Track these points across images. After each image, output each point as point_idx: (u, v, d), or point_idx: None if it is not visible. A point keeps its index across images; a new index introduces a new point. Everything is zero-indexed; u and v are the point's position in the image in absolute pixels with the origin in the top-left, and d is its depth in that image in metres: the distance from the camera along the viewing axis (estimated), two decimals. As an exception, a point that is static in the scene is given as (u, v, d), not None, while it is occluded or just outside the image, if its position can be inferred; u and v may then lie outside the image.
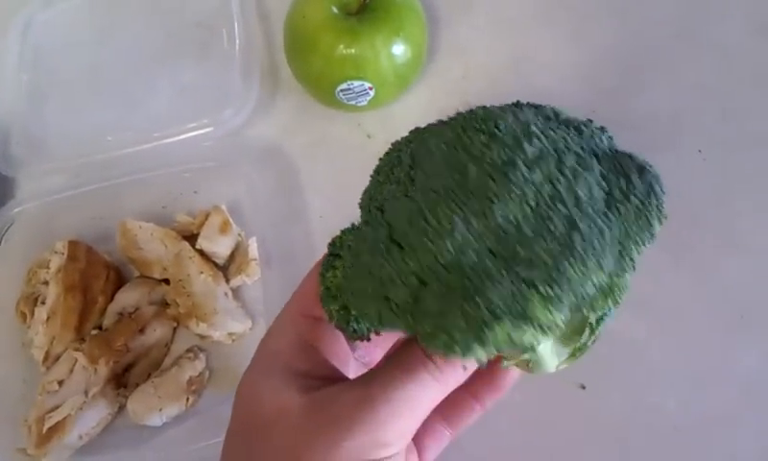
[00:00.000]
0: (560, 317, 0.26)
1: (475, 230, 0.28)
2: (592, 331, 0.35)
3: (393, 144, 0.37)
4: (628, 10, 0.64)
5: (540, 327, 0.26)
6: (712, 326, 0.50)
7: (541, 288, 0.26)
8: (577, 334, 0.37)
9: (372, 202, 0.34)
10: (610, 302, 0.29)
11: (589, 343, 0.37)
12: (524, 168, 0.29)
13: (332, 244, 0.33)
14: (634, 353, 0.49)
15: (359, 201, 0.36)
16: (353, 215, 0.49)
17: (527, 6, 0.66)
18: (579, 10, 0.65)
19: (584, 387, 0.48)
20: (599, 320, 0.34)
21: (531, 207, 0.28)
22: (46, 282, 0.55)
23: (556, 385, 0.48)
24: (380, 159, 0.36)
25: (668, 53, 0.61)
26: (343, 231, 0.33)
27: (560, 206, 0.28)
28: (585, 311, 0.28)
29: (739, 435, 0.47)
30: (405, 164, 0.34)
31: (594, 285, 0.27)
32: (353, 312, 0.30)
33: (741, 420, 0.47)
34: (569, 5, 0.65)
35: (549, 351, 0.38)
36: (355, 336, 0.30)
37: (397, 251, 0.29)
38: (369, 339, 0.30)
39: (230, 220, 0.56)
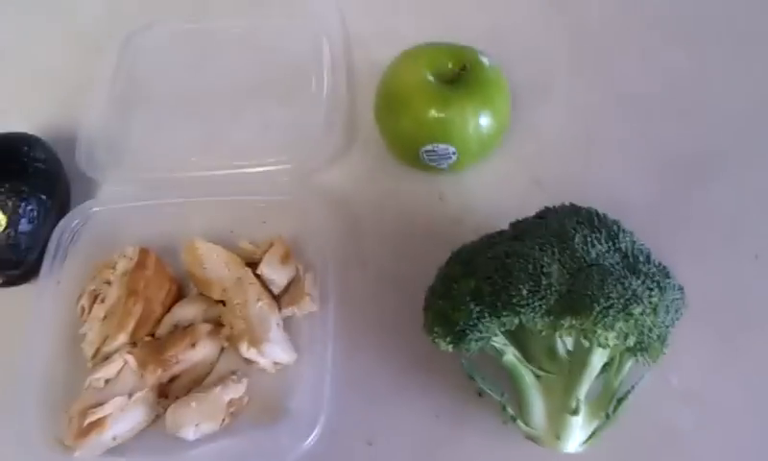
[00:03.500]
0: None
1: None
2: (618, 405, 0.47)
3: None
4: (697, 109, 0.68)
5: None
6: (760, 428, 0.51)
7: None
8: (602, 409, 0.47)
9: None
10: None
11: (612, 417, 0.47)
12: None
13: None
14: (680, 443, 0.51)
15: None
16: (420, 270, 0.52)
17: (600, 95, 0.70)
18: (651, 104, 0.69)
19: None
20: (621, 398, 0.47)
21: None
22: (109, 282, 0.57)
23: None
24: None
25: (733, 155, 0.65)
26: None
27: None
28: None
29: None
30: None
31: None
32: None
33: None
34: (642, 97, 0.69)
35: (580, 425, 0.47)
36: None
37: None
38: None
39: (291, 252, 0.58)
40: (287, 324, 0.57)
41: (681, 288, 0.47)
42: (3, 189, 0.59)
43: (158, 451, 0.53)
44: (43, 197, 0.61)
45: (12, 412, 0.53)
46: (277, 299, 0.58)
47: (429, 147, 0.60)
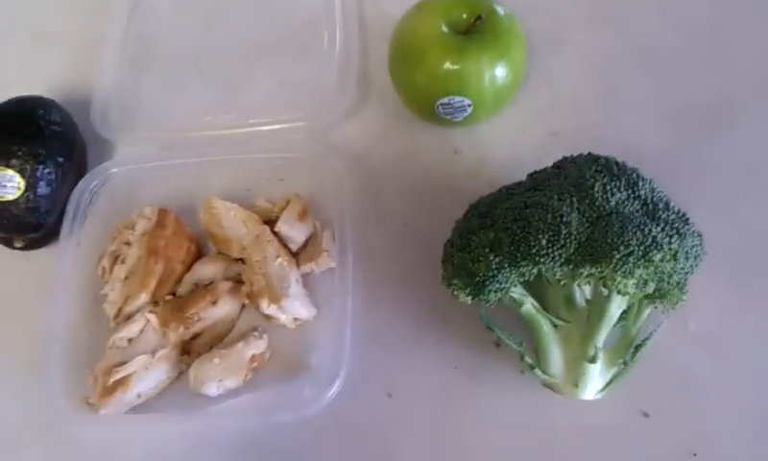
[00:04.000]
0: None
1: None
2: (635, 352, 0.47)
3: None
4: (715, 58, 0.67)
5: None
6: None
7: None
8: (620, 357, 0.48)
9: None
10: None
11: (630, 364, 0.47)
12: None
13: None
14: (698, 388, 0.51)
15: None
16: (437, 224, 0.52)
17: (617, 46, 0.69)
18: (668, 54, 0.68)
19: (647, 415, 0.50)
20: (639, 345, 0.48)
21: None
22: (129, 243, 0.58)
23: (621, 410, 0.50)
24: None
25: (751, 103, 0.64)
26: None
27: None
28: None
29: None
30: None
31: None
32: None
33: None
34: (658, 48, 0.68)
35: (597, 372, 0.48)
36: None
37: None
38: None
39: (308, 209, 0.59)
40: (306, 280, 0.58)
41: (699, 235, 0.47)
42: (20, 153, 0.59)
43: (183, 407, 0.54)
44: (60, 159, 0.62)
45: (38, 373, 0.54)
46: (296, 256, 0.59)
47: (444, 100, 0.59)
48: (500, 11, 0.61)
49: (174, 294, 0.58)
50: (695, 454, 0.49)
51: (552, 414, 0.51)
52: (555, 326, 0.48)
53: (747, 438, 0.49)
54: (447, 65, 0.58)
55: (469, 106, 0.59)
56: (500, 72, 0.59)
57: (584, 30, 0.70)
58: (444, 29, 0.59)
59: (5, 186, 0.59)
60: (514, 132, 0.64)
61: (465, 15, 0.60)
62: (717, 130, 0.63)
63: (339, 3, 0.72)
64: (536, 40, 0.66)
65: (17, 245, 0.61)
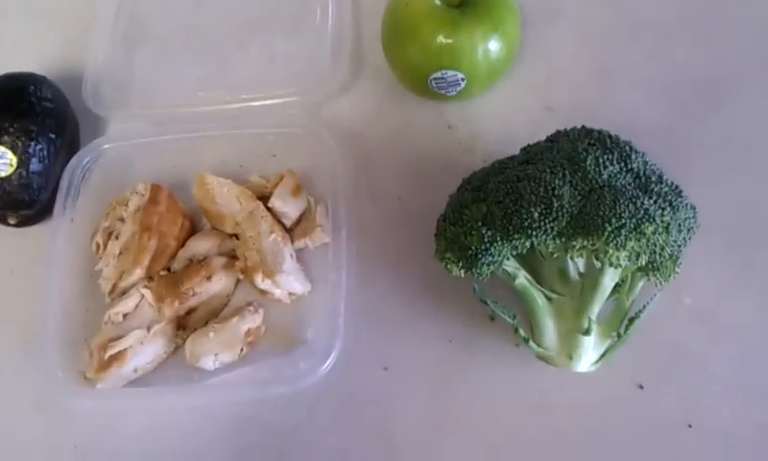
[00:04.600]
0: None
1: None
2: (629, 324, 0.48)
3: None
4: (713, 34, 0.67)
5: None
6: None
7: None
8: (614, 329, 0.48)
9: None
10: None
11: (624, 336, 0.48)
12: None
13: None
14: (692, 361, 0.52)
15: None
16: (431, 199, 0.52)
17: (614, 19, 0.69)
18: (665, 29, 0.68)
19: (642, 387, 0.51)
20: (633, 317, 0.48)
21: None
22: (122, 219, 0.58)
23: (616, 383, 0.51)
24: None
25: (747, 79, 0.64)
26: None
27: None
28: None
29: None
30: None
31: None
32: None
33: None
34: (656, 22, 0.68)
35: (591, 345, 0.48)
36: None
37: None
38: None
39: (302, 185, 0.59)
40: (300, 255, 0.58)
41: (693, 208, 0.47)
42: (12, 130, 0.59)
43: (179, 381, 0.55)
44: (53, 136, 0.61)
45: (34, 349, 0.55)
46: (290, 231, 0.59)
47: (438, 74, 0.59)
48: (494, -16, 0.60)
49: (168, 269, 0.58)
50: (690, 426, 0.50)
51: (547, 386, 0.51)
52: (549, 299, 0.48)
53: (741, 409, 0.50)
54: (440, 39, 0.58)
55: (463, 80, 0.59)
56: (494, 46, 0.59)
57: (579, 3, 0.70)
58: (437, 2, 0.59)
59: (-3, 163, 0.59)
60: (508, 106, 0.64)
61: (459, -12, 0.60)
62: (713, 105, 0.62)
63: (332, -23, 0.71)
64: (530, 14, 0.66)
65: (11, 222, 0.61)
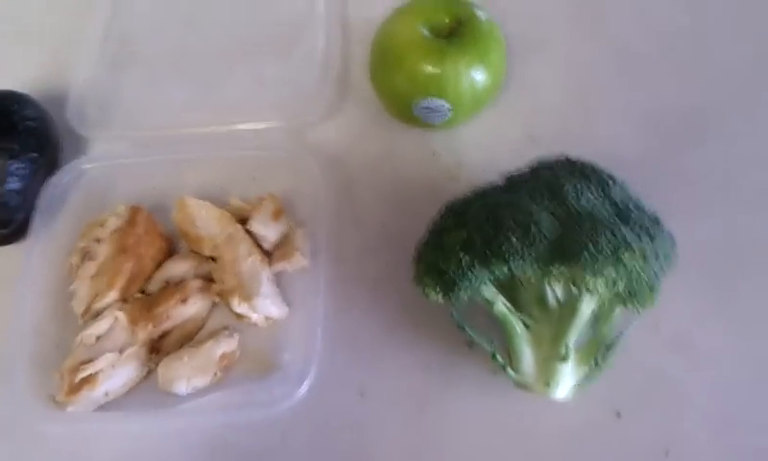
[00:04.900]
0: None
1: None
2: (606, 351, 0.48)
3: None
4: (695, 66, 0.68)
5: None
6: (747, 371, 0.52)
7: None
8: (591, 356, 0.48)
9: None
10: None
11: (602, 363, 0.47)
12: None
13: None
14: (670, 388, 0.52)
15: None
16: (414, 226, 0.52)
17: (598, 51, 0.69)
18: (648, 61, 0.68)
19: (619, 415, 0.51)
20: (610, 345, 0.48)
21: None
22: (99, 240, 0.58)
23: (593, 410, 0.51)
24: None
25: (729, 111, 0.65)
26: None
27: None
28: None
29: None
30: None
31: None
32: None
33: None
34: (639, 55, 0.69)
35: (569, 372, 0.48)
36: None
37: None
38: None
39: (283, 208, 0.59)
40: (279, 279, 0.58)
41: (672, 237, 0.47)
42: (-8, 148, 0.59)
43: (151, 406, 0.54)
44: (34, 155, 0.61)
45: (4, 370, 0.54)
46: (269, 254, 0.59)
47: (424, 103, 0.59)
48: (481, 15, 0.61)
49: (144, 292, 0.57)
50: (667, 453, 0.49)
51: (525, 414, 0.50)
52: (527, 325, 0.48)
53: (718, 437, 0.50)
54: (427, 68, 0.58)
55: (448, 109, 0.60)
56: (479, 76, 0.59)
57: (564, 35, 0.71)
58: (425, 32, 0.60)
59: (-26, 181, 0.58)
60: (492, 135, 0.64)
61: (446, 20, 0.61)
62: (694, 136, 0.63)
63: (321, 4, 0.72)
64: (516, 45, 0.66)
65: (-14, 241, 0.61)
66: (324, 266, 0.56)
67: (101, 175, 0.63)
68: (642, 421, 0.50)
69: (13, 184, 0.59)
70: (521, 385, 0.48)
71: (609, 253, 0.42)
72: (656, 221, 0.47)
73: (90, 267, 0.57)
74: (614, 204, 0.47)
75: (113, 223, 0.58)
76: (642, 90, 0.66)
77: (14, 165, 0.59)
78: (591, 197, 0.47)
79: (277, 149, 0.63)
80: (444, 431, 0.51)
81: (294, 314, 0.56)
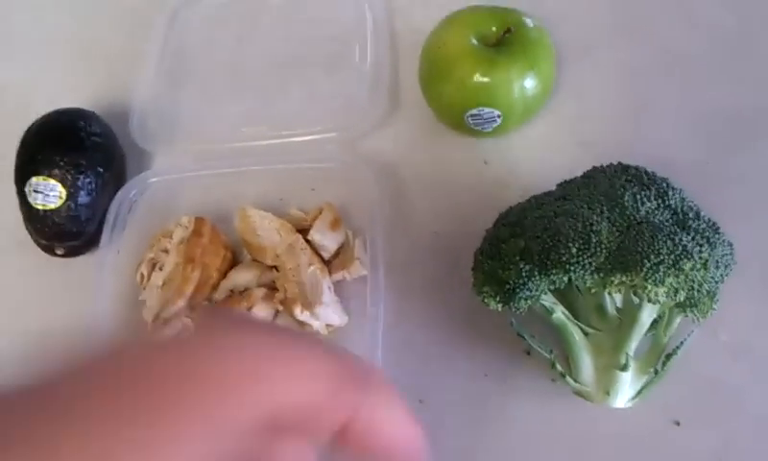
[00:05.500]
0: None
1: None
2: (666, 360, 0.48)
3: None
4: (744, 66, 0.67)
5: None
6: None
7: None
8: (651, 365, 0.48)
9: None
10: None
11: (661, 372, 0.48)
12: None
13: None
14: (729, 397, 0.51)
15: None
16: (467, 233, 0.53)
17: (646, 55, 0.70)
18: (697, 63, 0.68)
19: (678, 423, 0.51)
20: (670, 353, 0.48)
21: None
22: (166, 251, 0.60)
23: (652, 419, 0.50)
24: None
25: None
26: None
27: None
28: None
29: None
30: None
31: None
32: None
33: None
34: (688, 57, 0.69)
35: (629, 381, 0.48)
36: None
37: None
38: None
39: (340, 218, 0.60)
40: (338, 288, 0.59)
41: (730, 244, 0.47)
42: (62, 163, 0.62)
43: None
44: (101, 169, 0.64)
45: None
46: (328, 264, 0.60)
47: (475, 111, 0.60)
48: (529, 23, 0.62)
49: (210, 300, 0.59)
50: (725, 463, 0.49)
51: (583, 422, 0.51)
52: (586, 334, 0.49)
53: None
54: (477, 77, 0.59)
55: (499, 117, 0.60)
56: (529, 83, 0.60)
57: (612, 41, 0.71)
58: (474, 42, 0.61)
59: (47, 195, 0.61)
60: (543, 142, 0.65)
61: (494, 28, 0.62)
62: (747, 139, 0.63)
63: (370, 18, 0.73)
64: (565, 51, 0.67)
65: (58, 252, 0.64)
66: (382, 274, 0.57)
67: (165, 187, 0.66)
68: (701, 430, 0.50)
69: (83, 198, 0.62)
70: (580, 394, 0.49)
71: (670, 262, 0.43)
72: (714, 228, 0.47)
73: (159, 277, 0.59)
74: (673, 211, 0.47)
75: (179, 234, 0.61)
76: (690, 93, 0.66)
77: (83, 180, 0.62)
78: (650, 205, 0.47)
79: (333, 160, 0.65)
80: (502, 439, 0.52)
81: (354, 322, 0.58)
